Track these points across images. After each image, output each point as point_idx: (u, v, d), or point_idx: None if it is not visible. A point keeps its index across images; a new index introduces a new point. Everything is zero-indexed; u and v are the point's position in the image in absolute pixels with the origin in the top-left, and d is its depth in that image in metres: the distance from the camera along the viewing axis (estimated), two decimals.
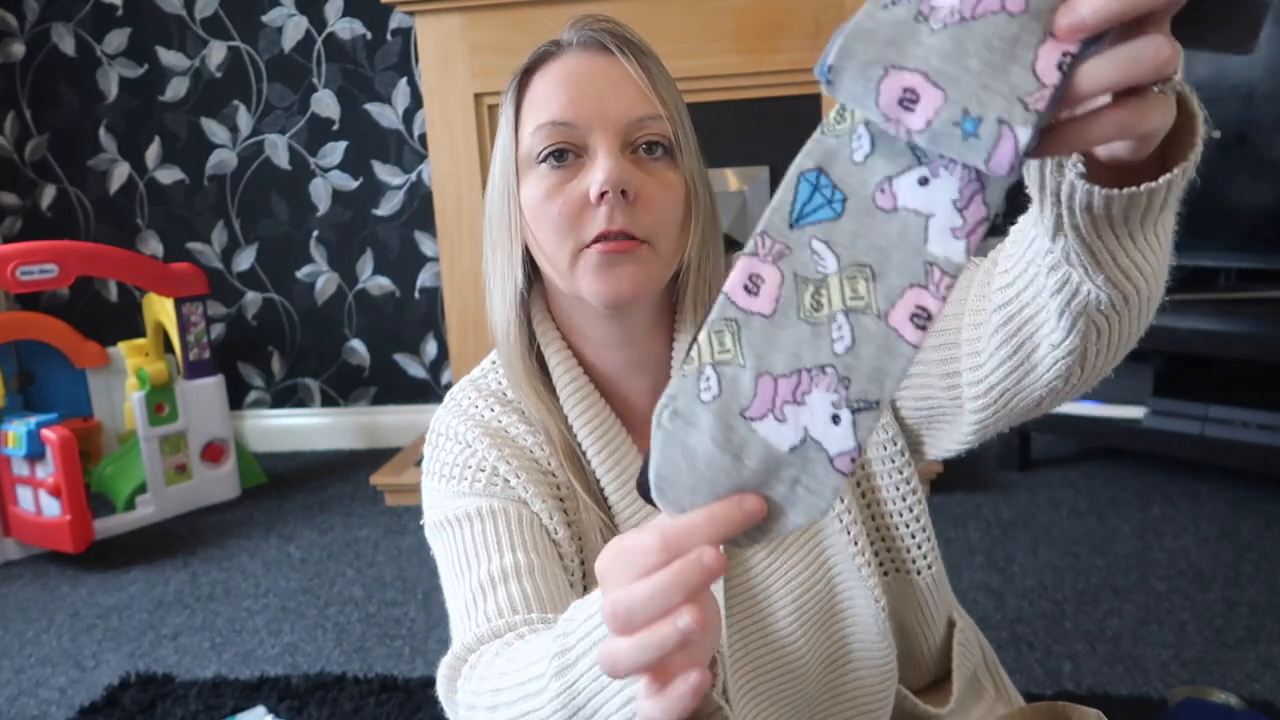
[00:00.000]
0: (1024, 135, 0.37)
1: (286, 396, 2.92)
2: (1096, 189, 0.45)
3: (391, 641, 1.69)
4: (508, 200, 0.76)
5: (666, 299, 0.80)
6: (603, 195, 0.71)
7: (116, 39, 2.76)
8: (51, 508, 2.06)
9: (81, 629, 1.82)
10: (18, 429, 2.06)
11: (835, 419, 0.41)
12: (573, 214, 0.72)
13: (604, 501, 0.79)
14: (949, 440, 0.75)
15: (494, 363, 0.85)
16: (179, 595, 1.93)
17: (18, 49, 2.81)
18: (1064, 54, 0.36)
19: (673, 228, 0.75)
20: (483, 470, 0.78)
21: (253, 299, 2.87)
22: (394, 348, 2.85)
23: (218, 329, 2.88)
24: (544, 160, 0.74)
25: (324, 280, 2.83)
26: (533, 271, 0.79)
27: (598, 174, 0.71)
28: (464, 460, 0.79)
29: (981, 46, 0.37)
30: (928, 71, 0.38)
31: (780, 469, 0.42)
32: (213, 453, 2.46)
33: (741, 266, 0.42)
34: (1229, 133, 2.19)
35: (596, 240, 0.72)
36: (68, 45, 2.79)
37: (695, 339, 0.43)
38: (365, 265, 2.80)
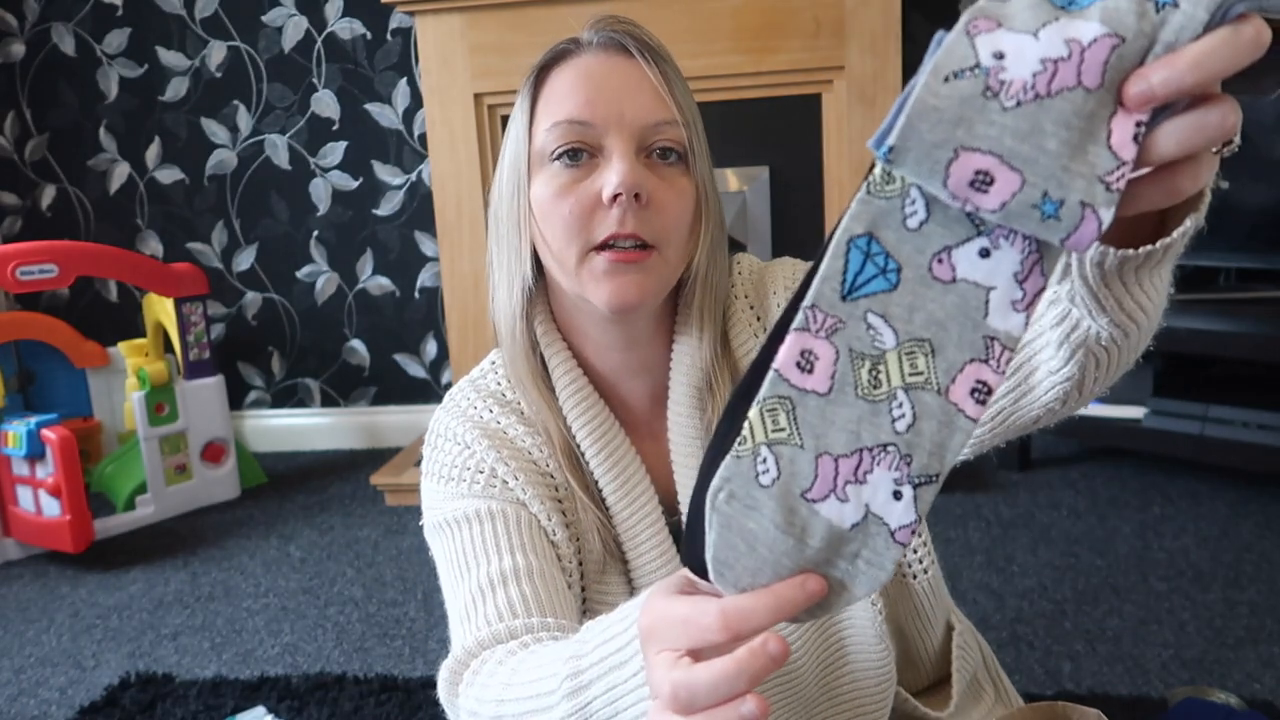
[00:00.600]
0: (1107, 216, 0.36)
1: (286, 396, 2.92)
2: (1111, 250, 0.46)
3: (391, 641, 1.69)
4: (517, 196, 0.76)
5: (669, 303, 0.80)
6: (616, 197, 0.71)
7: (116, 39, 2.76)
8: (51, 508, 2.06)
9: (81, 629, 1.82)
10: (18, 429, 2.06)
11: (897, 495, 0.40)
12: (584, 214, 0.72)
13: (601, 502, 0.79)
14: None
15: (494, 363, 0.85)
16: (179, 595, 1.93)
17: (18, 49, 2.81)
18: (1138, 124, 0.35)
19: (682, 233, 0.75)
20: (481, 472, 0.78)
21: (253, 299, 2.87)
22: (394, 348, 2.85)
23: (218, 329, 2.88)
24: (558, 158, 0.73)
25: (324, 280, 2.83)
26: (536, 269, 0.79)
27: (612, 176, 0.71)
28: (463, 461, 0.79)
29: (1059, 126, 0.36)
30: (1002, 154, 0.36)
31: (843, 546, 0.41)
32: (213, 453, 2.46)
33: (792, 342, 0.40)
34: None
35: (606, 244, 0.71)
36: (68, 45, 2.79)
37: (747, 416, 0.41)
38: (365, 265, 2.81)
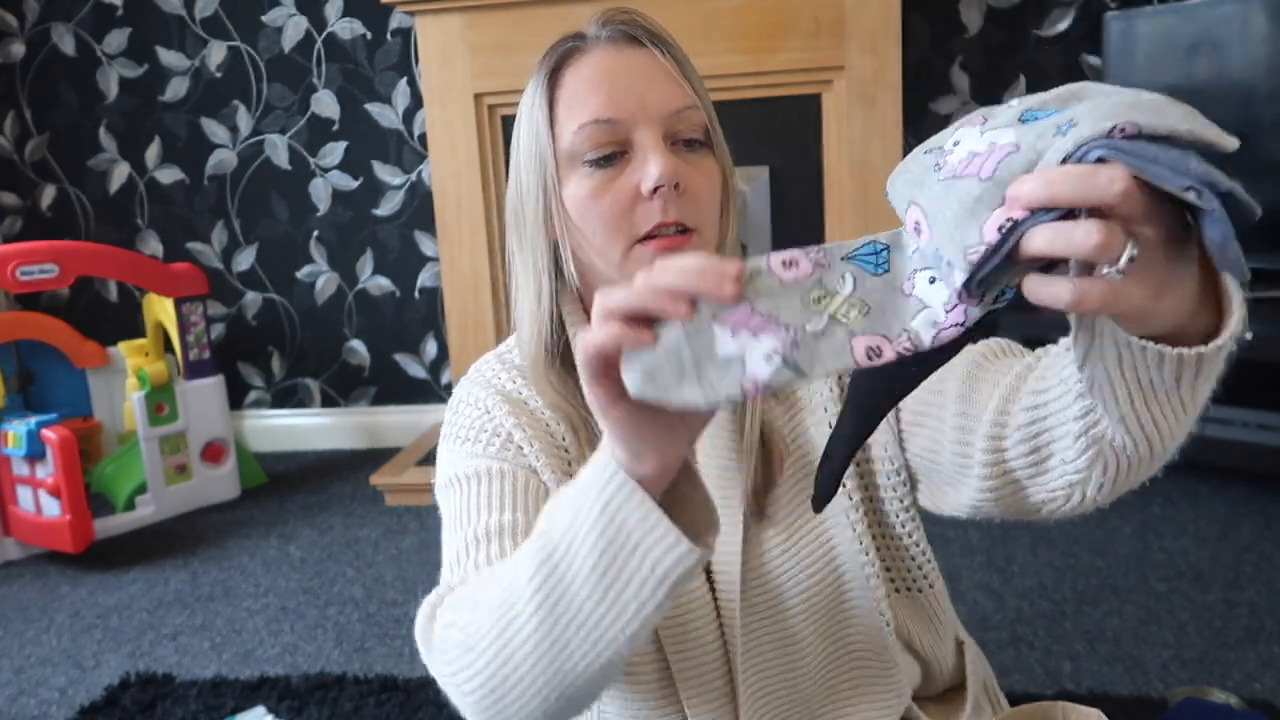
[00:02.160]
0: (959, 278, 0.46)
1: (286, 396, 2.92)
2: (1121, 332, 0.51)
3: (391, 641, 1.69)
4: (544, 196, 0.76)
5: None
6: (656, 189, 0.72)
7: (116, 39, 2.76)
8: (51, 508, 2.06)
9: (81, 629, 1.82)
10: (18, 429, 2.06)
11: (768, 358, 0.48)
12: (624, 210, 0.73)
13: None
14: (945, 499, 0.76)
15: (507, 354, 0.86)
16: (179, 595, 1.93)
17: (18, 49, 2.81)
18: (1007, 219, 0.43)
19: (715, 214, 0.77)
20: (498, 435, 0.79)
21: (253, 299, 2.87)
22: (394, 348, 2.85)
23: (218, 329, 2.88)
24: (589, 161, 0.74)
25: (324, 280, 2.83)
26: (563, 264, 0.79)
27: (651, 169, 0.71)
28: (480, 424, 0.80)
29: (957, 201, 0.45)
30: (927, 212, 0.47)
31: (709, 361, 0.49)
32: (213, 453, 2.46)
33: (789, 251, 0.50)
34: (1229, 133, 2.19)
35: (651, 234, 0.73)
36: (68, 45, 2.79)
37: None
38: (365, 265, 2.81)
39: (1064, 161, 0.42)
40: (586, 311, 0.81)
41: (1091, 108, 0.43)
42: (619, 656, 0.57)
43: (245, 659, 1.66)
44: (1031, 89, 2.47)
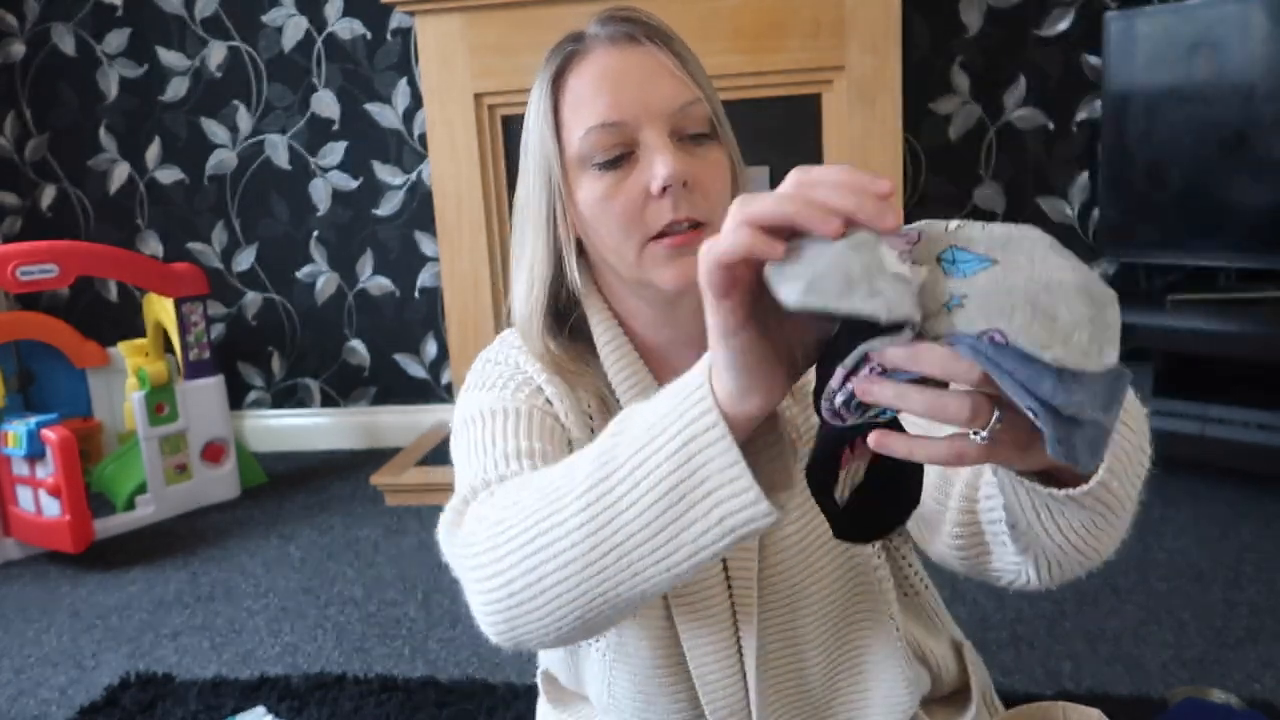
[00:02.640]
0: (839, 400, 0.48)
1: (286, 396, 2.92)
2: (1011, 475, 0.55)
3: (391, 641, 1.69)
4: (554, 200, 0.77)
5: None
6: (665, 189, 0.72)
7: (116, 39, 2.76)
8: (51, 508, 2.06)
9: (81, 629, 1.82)
10: (18, 429, 2.06)
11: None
12: (635, 210, 0.73)
13: None
14: (925, 537, 0.76)
15: (518, 348, 0.85)
16: (179, 595, 1.93)
17: (18, 49, 2.81)
18: (871, 369, 0.46)
19: (725, 204, 0.76)
20: (528, 384, 0.79)
21: (253, 299, 2.87)
22: (394, 348, 2.85)
23: (218, 329, 2.88)
24: (597, 164, 0.74)
25: (324, 280, 2.83)
26: (569, 263, 0.79)
27: (659, 169, 0.72)
28: (510, 374, 0.80)
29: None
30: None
31: (880, 275, 0.46)
32: (213, 453, 2.46)
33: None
34: (1229, 133, 2.19)
35: (663, 232, 0.73)
36: (68, 45, 2.79)
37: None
38: (365, 265, 2.81)
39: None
40: (604, 298, 0.81)
41: (990, 287, 0.44)
42: (656, 592, 0.55)
43: (245, 659, 1.66)
44: (1031, 89, 2.48)
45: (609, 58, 0.75)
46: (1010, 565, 0.64)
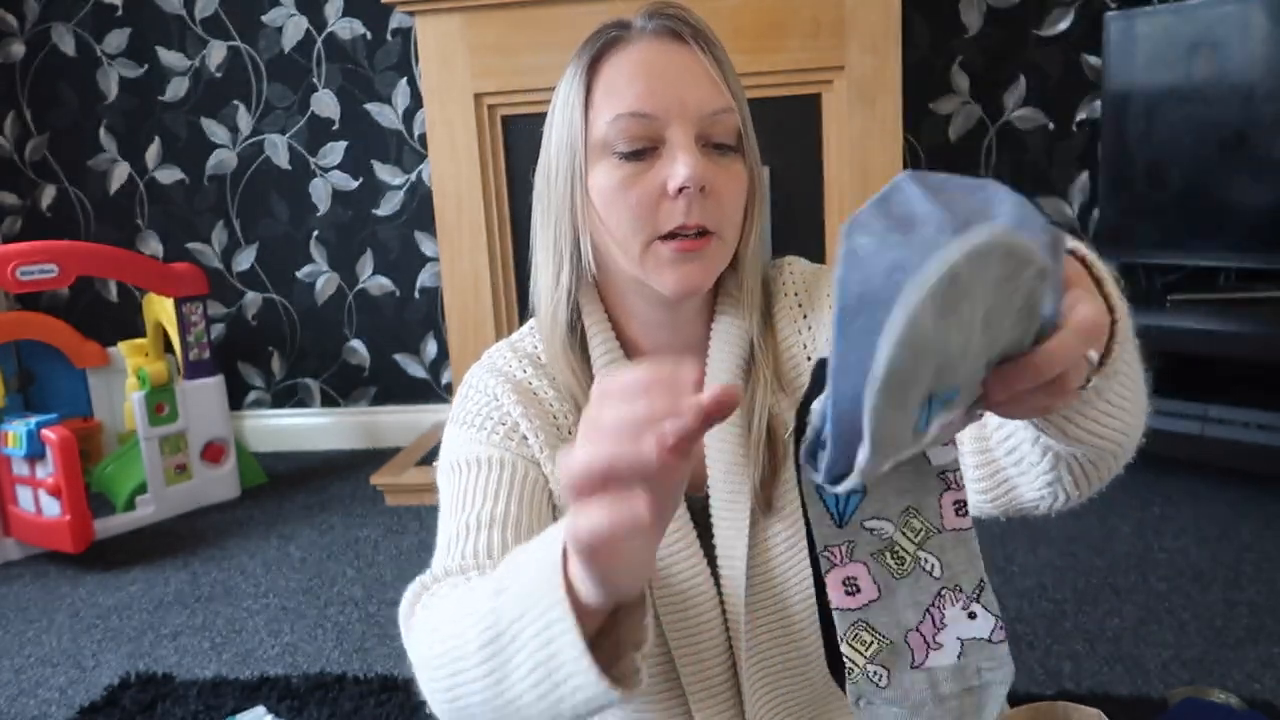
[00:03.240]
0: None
1: (286, 396, 2.92)
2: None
3: (391, 641, 1.69)
4: (572, 182, 0.77)
5: (713, 283, 0.82)
6: (681, 190, 0.72)
7: (116, 39, 2.76)
8: (51, 508, 2.06)
9: (81, 629, 1.82)
10: (18, 429, 2.06)
11: (971, 615, 0.50)
12: (648, 205, 0.73)
13: None
14: None
15: (532, 328, 0.86)
16: (179, 595, 1.93)
17: (18, 49, 2.81)
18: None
19: (738, 218, 0.78)
20: (503, 424, 0.80)
21: (253, 299, 2.87)
22: (394, 348, 2.85)
23: (218, 329, 2.88)
24: (619, 153, 0.74)
25: (324, 280, 2.83)
26: (587, 250, 0.79)
27: (680, 169, 0.72)
28: (488, 411, 0.81)
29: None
30: None
31: (963, 673, 0.50)
32: (213, 453, 2.46)
33: (833, 580, 0.51)
34: (1229, 133, 2.19)
35: (672, 234, 0.73)
36: (68, 45, 2.79)
37: (848, 659, 0.51)
38: (365, 265, 2.80)
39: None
40: (603, 300, 0.82)
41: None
42: None
43: (245, 659, 1.66)
44: (1031, 89, 2.48)
45: (650, 50, 0.75)
46: (1042, 490, 0.65)
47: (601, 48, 0.76)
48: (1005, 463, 0.66)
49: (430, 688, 0.62)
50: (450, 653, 0.59)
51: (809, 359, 0.82)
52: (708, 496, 0.80)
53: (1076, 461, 0.61)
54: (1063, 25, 2.44)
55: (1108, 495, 2.25)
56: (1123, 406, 0.56)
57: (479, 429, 0.80)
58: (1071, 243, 0.50)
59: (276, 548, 2.15)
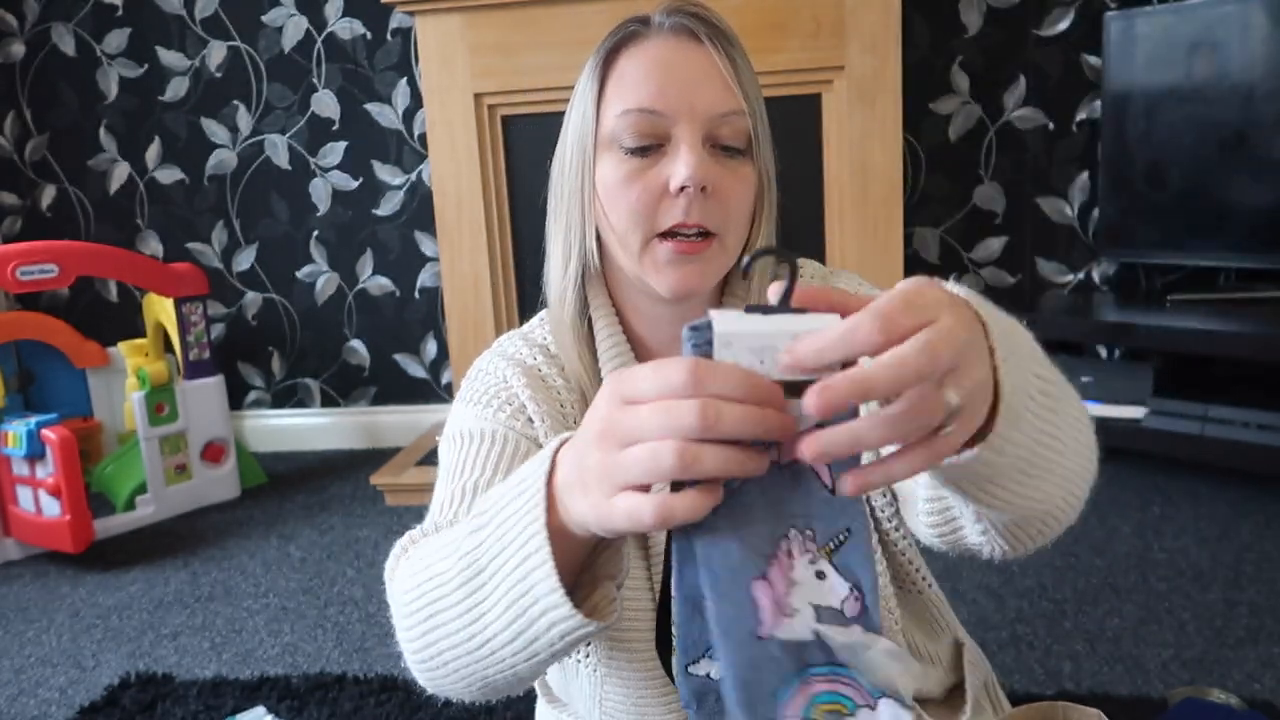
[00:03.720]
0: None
1: (286, 396, 2.92)
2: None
3: (391, 641, 1.69)
4: (581, 174, 0.77)
5: (719, 283, 0.81)
6: (683, 189, 0.72)
7: (116, 39, 2.76)
8: (51, 508, 2.06)
9: (81, 629, 1.82)
10: (18, 429, 2.06)
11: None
12: (650, 202, 0.73)
13: None
14: (904, 514, 0.77)
15: (542, 320, 0.86)
16: (179, 595, 1.93)
17: (18, 49, 2.81)
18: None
19: (742, 220, 0.77)
20: (510, 404, 0.80)
21: (253, 299, 2.87)
22: (394, 348, 2.85)
23: (218, 329, 2.88)
24: (627, 148, 0.74)
25: (324, 280, 2.83)
26: (596, 243, 0.80)
27: (681, 169, 0.72)
28: (495, 390, 0.81)
29: None
30: None
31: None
32: (213, 453, 2.46)
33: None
34: (1229, 133, 2.19)
35: (670, 232, 0.73)
36: (68, 45, 2.79)
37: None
38: (365, 265, 2.80)
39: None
40: (610, 294, 0.82)
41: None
42: (541, 672, 0.58)
43: (245, 659, 1.66)
44: (1031, 89, 2.48)
45: (665, 47, 0.75)
46: (979, 538, 0.64)
47: (619, 42, 0.76)
48: (951, 501, 0.64)
49: (408, 635, 0.62)
50: (429, 594, 0.59)
51: None
52: None
53: (1001, 522, 0.59)
54: (1063, 25, 2.44)
55: (1108, 495, 2.26)
56: (1038, 475, 0.53)
57: (485, 406, 0.80)
58: (978, 305, 0.48)
59: (276, 548, 2.15)
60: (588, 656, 0.81)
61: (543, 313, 0.87)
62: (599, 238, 0.79)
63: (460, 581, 0.57)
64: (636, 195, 0.73)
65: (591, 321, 0.81)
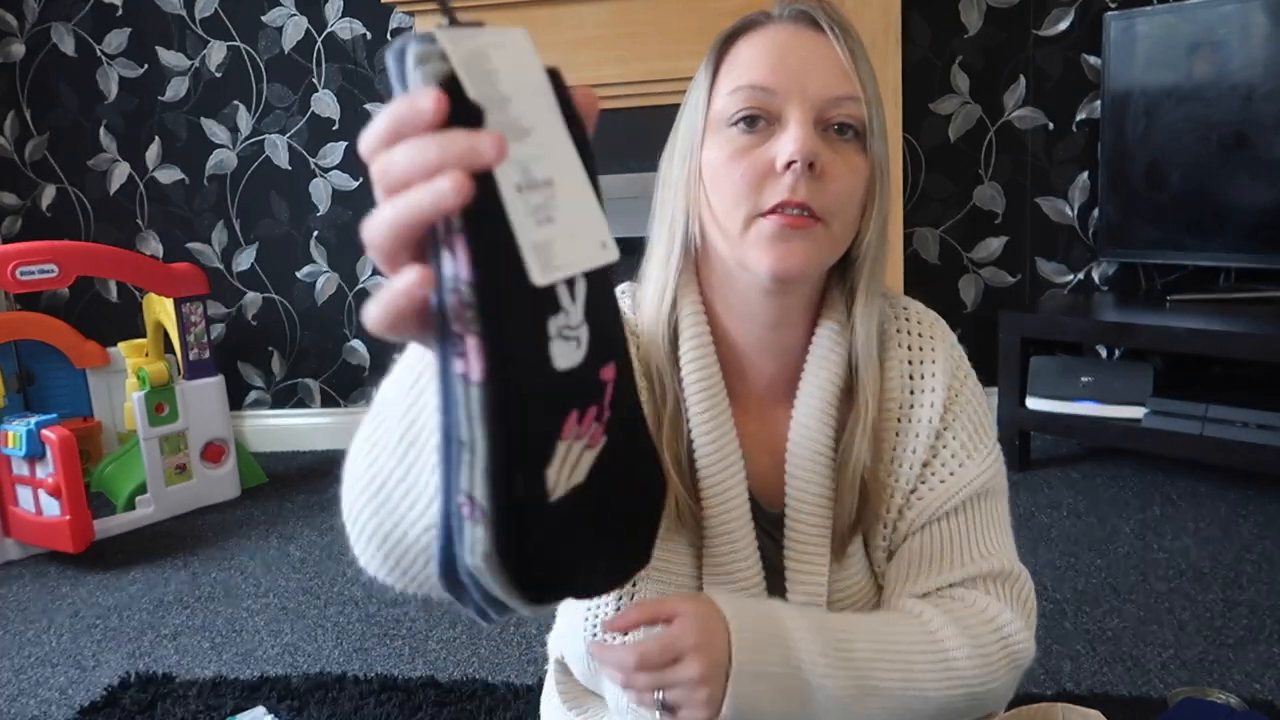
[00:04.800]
0: None
1: (286, 396, 2.92)
2: None
3: (391, 641, 1.69)
4: (689, 159, 0.76)
5: (819, 285, 0.80)
6: (790, 165, 0.70)
7: (116, 39, 2.76)
8: (51, 508, 2.06)
9: (81, 629, 1.82)
10: (18, 429, 2.06)
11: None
12: (756, 179, 0.71)
13: (691, 469, 0.79)
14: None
15: (623, 292, 0.85)
16: (179, 595, 1.93)
17: (18, 49, 2.81)
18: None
19: (851, 209, 0.74)
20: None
21: (253, 299, 2.87)
22: (394, 348, 2.82)
23: (218, 329, 2.88)
24: (735, 123, 0.73)
25: (324, 280, 2.83)
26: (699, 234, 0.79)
27: (788, 144, 0.70)
28: None
29: None
30: None
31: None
32: (213, 453, 2.46)
33: None
34: (1229, 133, 2.19)
35: (774, 210, 0.71)
36: (68, 45, 2.79)
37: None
38: (365, 265, 2.80)
39: None
40: (700, 286, 0.80)
41: None
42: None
43: (245, 659, 1.66)
44: (1031, 89, 2.48)
45: (783, 33, 0.74)
46: None
47: (736, 29, 0.76)
48: None
49: (358, 520, 0.61)
50: (373, 464, 0.57)
51: (908, 430, 0.81)
52: (783, 514, 0.79)
53: None
54: (1063, 25, 2.44)
55: (1108, 495, 2.25)
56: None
57: None
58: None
59: (276, 548, 2.15)
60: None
61: (625, 286, 0.85)
62: (700, 228, 0.77)
63: (401, 431, 0.54)
64: (741, 172, 0.72)
65: (678, 316, 0.80)
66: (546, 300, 0.40)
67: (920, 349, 0.82)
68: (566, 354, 0.41)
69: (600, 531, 0.45)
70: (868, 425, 0.78)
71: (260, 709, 1.46)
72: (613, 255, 0.42)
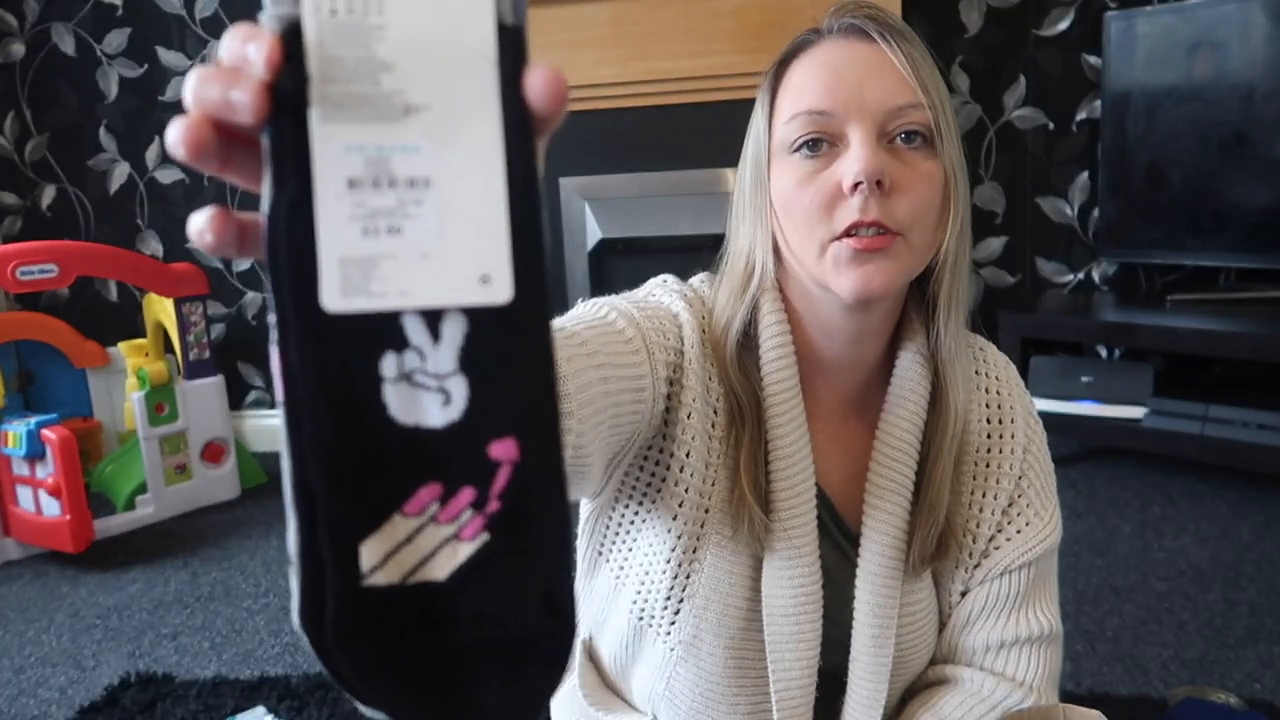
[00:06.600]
0: None
1: None
2: None
3: None
4: (758, 189, 0.76)
5: (900, 296, 0.78)
6: (856, 185, 0.69)
7: (116, 39, 2.76)
8: (51, 508, 2.06)
9: (81, 629, 1.82)
10: (18, 429, 2.06)
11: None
12: (825, 204, 0.70)
13: (763, 476, 0.78)
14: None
15: (685, 295, 0.83)
16: (179, 595, 1.93)
17: (18, 49, 2.81)
18: None
19: (928, 219, 0.72)
20: (667, 335, 0.76)
21: (253, 299, 2.87)
22: None
23: (218, 329, 2.88)
24: (797, 150, 0.72)
25: None
26: (775, 258, 0.78)
27: (852, 164, 0.69)
28: (659, 320, 0.77)
29: None
30: None
31: None
32: (213, 453, 2.46)
33: None
34: (1229, 133, 2.19)
35: (848, 232, 0.69)
36: (68, 45, 2.79)
37: None
38: None
39: None
40: (786, 304, 0.78)
41: None
42: None
43: (245, 659, 1.66)
44: (1031, 89, 2.48)
45: (835, 49, 0.73)
46: None
47: (790, 51, 0.76)
48: None
49: None
50: None
51: (989, 475, 0.81)
52: (859, 535, 0.79)
53: None
54: (1063, 25, 2.44)
55: (1108, 495, 2.25)
56: None
57: (639, 311, 0.76)
58: None
59: (276, 548, 2.15)
60: (669, 635, 0.79)
61: (698, 277, 0.84)
62: (777, 253, 0.76)
63: None
64: (810, 198, 0.70)
65: (758, 328, 0.78)
66: (378, 327, 0.31)
67: (998, 392, 0.83)
68: (420, 408, 0.32)
69: (456, 653, 0.33)
70: (953, 438, 0.78)
71: (260, 709, 1.46)
72: (496, 295, 0.32)
